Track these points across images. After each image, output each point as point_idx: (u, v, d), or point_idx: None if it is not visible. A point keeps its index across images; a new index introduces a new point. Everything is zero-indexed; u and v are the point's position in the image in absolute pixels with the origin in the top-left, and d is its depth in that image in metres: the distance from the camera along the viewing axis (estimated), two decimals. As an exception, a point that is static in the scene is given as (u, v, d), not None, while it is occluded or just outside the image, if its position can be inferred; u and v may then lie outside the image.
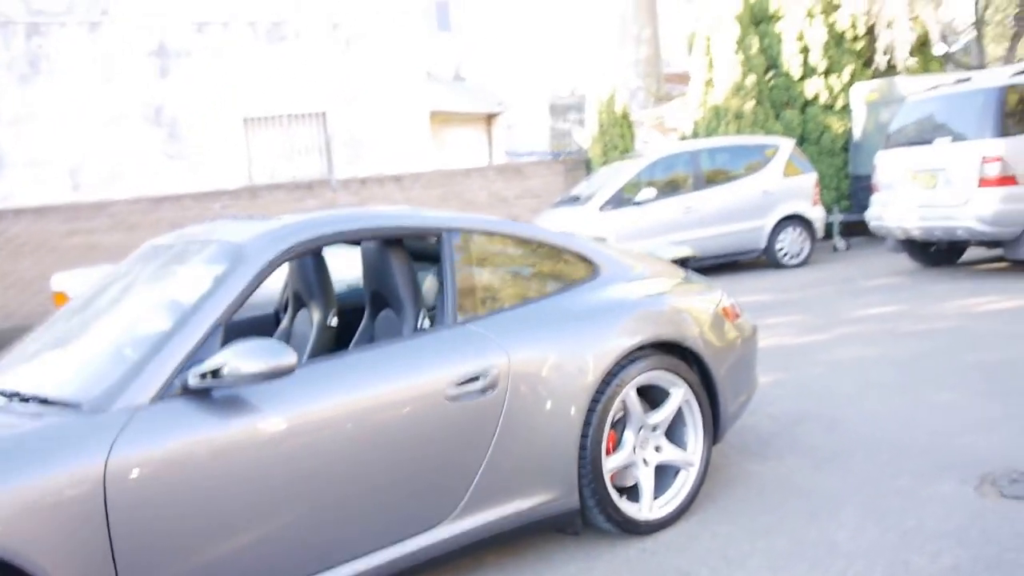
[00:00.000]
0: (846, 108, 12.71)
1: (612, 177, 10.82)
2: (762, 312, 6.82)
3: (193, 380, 2.41)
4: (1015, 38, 17.58)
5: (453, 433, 2.82)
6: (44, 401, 2.46)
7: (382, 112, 13.98)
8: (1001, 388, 4.63)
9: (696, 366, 3.41)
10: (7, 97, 12.46)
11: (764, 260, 10.78)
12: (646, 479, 3.26)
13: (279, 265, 2.78)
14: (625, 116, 13.96)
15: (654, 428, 3.30)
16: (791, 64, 12.84)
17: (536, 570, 3.03)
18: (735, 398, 3.61)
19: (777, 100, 12.99)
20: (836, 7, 12.77)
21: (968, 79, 8.80)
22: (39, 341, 3.07)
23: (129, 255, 3.39)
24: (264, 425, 2.49)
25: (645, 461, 3.28)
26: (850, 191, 12.67)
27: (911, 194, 8.52)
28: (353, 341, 3.39)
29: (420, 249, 3.51)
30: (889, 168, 8.94)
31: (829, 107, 12.83)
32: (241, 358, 2.39)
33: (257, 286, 2.68)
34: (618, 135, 13.74)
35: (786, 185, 10.69)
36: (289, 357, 2.44)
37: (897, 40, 12.53)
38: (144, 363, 2.44)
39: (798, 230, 10.75)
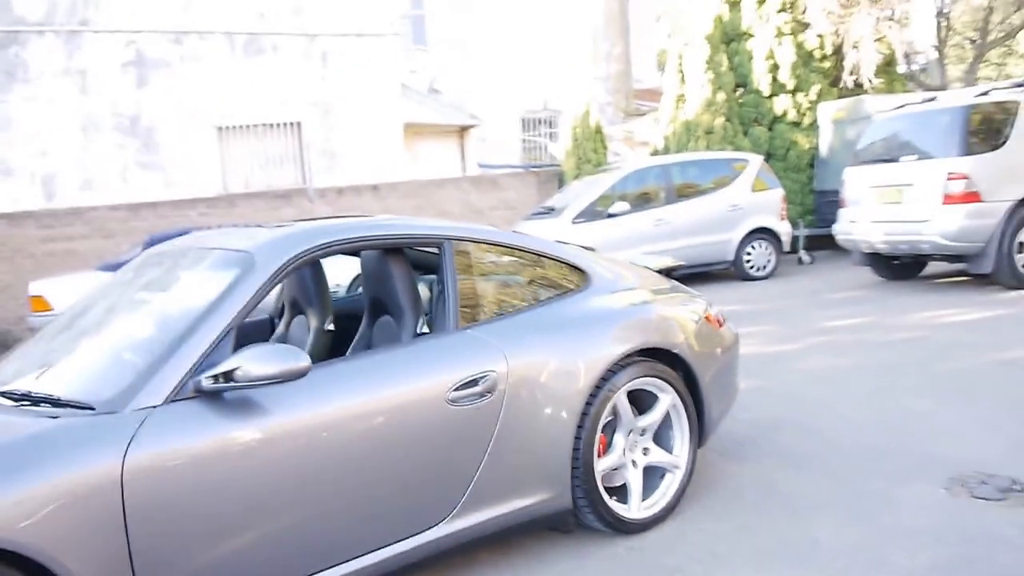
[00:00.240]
0: (813, 125, 13.00)
1: (585, 190, 10.99)
2: (734, 322, 6.95)
3: (206, 382, 2.48)
4: (976, 59, 18.10)
5: (453, 435, 2.91)
6: (56, 403, 2.50)
7: (357, 123, 14.05)
8: (967, 395, 4.82)
9: (683, 372, 3.55)
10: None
11: (732, 272, 10.98)
12: (635, 480, 3.38)
13: (288, 272, 2.86)
14: (599, 131, 14.19)
15: (643, 432, 3.43)
16: (761, 82, 13.14)
17: (529, 567, 3.13)
18: (719, 403, 3.75)
19: (746, 117, 13.26)
20: (805, 27, 13.10)
21: (934, 99, 9.04)
22: (42, 346, 3.10)
23: (130, 262, 3.45)
24: (274, 427, 2.56)
25: (634, 463, 3.40)
26: (815, 206, 12.94)
27: (878, 210, 8.71)
28: (351, 347, 3.46)
29: (416, 258, 3.60)
30: (857, 184, 9.11)
31: (796, 124, 13.12)
32: (254, 361, 2.47)
33: (267, 292, 2.76)
34: (591, 149, 13.95)
35: (754, 200, 10.92)
36: (303, 361, 2.52)
37: (863, 60, 12.85)
38: (158, 366, 2.50)
39: (765, 243, 10.98)
